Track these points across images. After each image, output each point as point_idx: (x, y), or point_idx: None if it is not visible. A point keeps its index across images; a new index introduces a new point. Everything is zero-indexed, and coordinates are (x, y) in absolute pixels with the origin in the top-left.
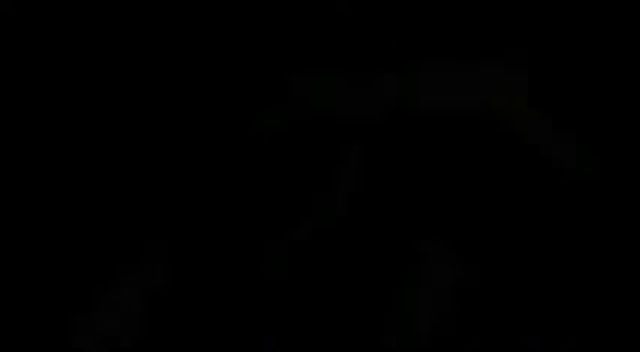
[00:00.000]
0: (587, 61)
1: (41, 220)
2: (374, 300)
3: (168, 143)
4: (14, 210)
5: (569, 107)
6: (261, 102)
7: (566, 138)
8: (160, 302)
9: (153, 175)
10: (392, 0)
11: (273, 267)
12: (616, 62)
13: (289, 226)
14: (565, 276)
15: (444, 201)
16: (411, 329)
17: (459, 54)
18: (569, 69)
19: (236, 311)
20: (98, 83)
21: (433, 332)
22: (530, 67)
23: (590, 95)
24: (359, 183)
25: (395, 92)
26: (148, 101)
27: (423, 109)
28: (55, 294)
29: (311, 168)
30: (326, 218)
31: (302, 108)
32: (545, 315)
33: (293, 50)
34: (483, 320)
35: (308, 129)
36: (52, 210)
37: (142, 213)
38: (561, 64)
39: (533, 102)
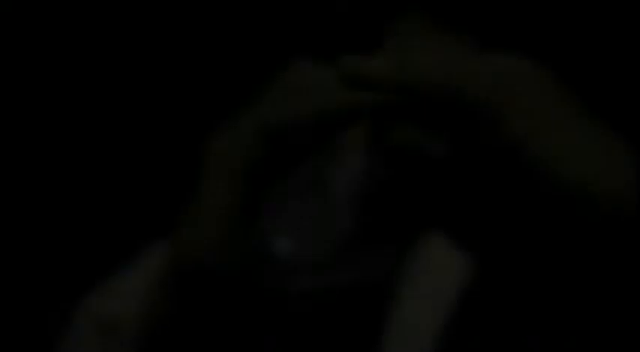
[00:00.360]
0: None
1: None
2: (373, 298)
3: (165, 140)
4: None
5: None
6: (260, 99)
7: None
8: (158, 301)
9: (153, 174)
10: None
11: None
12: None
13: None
14: (565, 276)
15: (447, 196)
16: (410, 327)
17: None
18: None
19: (235, 311)
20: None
21: (432, 331)
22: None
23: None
24: (360, 176)
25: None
26: (147, 99)
27: (422, 85)
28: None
29: (311, 161)
30: (327, 213)
31: (303, 102)
32: (546, 315)
33: (292, 48)
34: (483, 319)
35: (309, 122)
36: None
37: (141, 213)
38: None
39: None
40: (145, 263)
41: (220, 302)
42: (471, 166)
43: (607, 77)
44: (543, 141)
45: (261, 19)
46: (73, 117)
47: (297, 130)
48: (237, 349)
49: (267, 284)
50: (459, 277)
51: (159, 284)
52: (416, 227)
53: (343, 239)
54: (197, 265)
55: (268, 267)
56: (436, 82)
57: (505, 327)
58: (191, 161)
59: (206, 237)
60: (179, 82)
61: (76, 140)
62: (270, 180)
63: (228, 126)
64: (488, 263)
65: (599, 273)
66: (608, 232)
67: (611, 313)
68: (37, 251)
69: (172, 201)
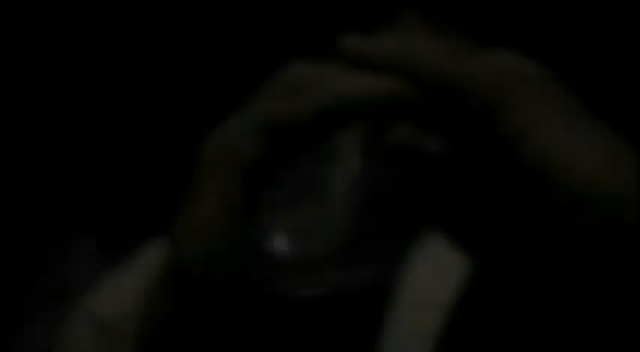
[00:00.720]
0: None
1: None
2: (373, 298)
3: (164, 139)
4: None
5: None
6: (259, 98)
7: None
8: (157, 301)
9: (151, 173)
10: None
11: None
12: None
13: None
14: (565, 276)
15: (446, 196)
16: (410, 328)
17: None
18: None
19: (234, 311)
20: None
21: (431, 332)
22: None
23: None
24: (359, 176)
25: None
26: (146, 98)
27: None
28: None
29: (310, 161)
30: (327, 213)
31: (303, 100)
32: (545, 316)
33: (292, 48)
34: (483, 320)
35: (309, 121)
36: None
37: (140, 212)
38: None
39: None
40: (144, 262)
41: (219, 303)
42: (471, 166)
43: (608, 77)
44: (543, 138)
45: (261, 19)
46: (72, 117)
47: (296, 129)
48: (236, 349)
49: (266, 284)
50: (459, 277)
51: (158, 284)
52: (416, 226)
53: (343, 239)
54: (196, 265)
55: (267, 267)
56: (436, 70)
57: (505, 328)
58: (190, 160)
59: (205, 236)
60: (178, 81)
61: (75, 139)
62: (270, 180)
63: (227, 125)
64: (488, 263)
65: (598, 272)
66: (607, 231)
67: (611, 315)
68: (36, 250)
69: (171, 200)
